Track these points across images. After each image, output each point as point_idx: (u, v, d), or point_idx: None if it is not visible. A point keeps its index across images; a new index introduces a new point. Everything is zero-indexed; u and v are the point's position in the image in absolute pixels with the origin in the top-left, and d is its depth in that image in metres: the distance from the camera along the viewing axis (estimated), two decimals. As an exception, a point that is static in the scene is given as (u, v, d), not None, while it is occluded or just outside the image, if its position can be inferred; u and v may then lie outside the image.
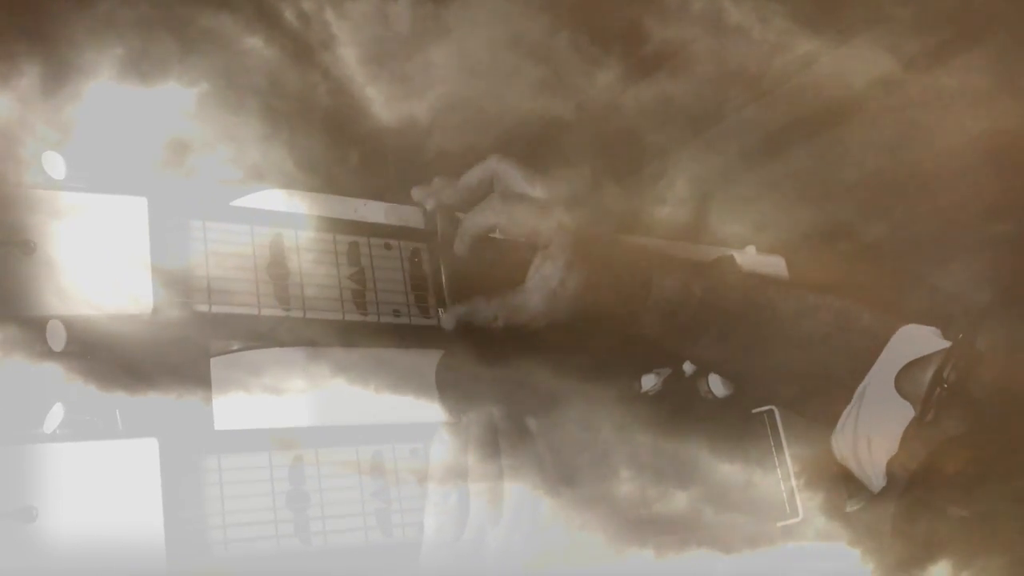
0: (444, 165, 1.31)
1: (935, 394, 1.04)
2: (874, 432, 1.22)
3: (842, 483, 1.42)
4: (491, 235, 1.24)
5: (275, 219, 1.20)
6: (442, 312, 1.23)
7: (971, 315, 1.13)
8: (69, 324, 1.00)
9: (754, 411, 1.51)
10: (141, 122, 1.12)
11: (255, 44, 1.23)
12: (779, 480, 1.49)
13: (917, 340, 1.22)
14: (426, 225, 1.30)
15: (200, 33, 1.21)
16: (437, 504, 1.16)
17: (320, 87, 1.32)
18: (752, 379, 1.39)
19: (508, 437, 1.20)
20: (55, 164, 1.05)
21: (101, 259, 1.04)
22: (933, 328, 1.25)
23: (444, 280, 1.23)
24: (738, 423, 1.49)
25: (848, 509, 1.43)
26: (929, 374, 1.07)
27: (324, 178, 1.26)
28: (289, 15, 1.28)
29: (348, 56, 1.31)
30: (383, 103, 1.30)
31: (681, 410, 1.44)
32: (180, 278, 1.09)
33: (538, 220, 1.20)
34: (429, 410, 1.24)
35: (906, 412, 1.16)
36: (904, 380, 1.13)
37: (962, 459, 1.01)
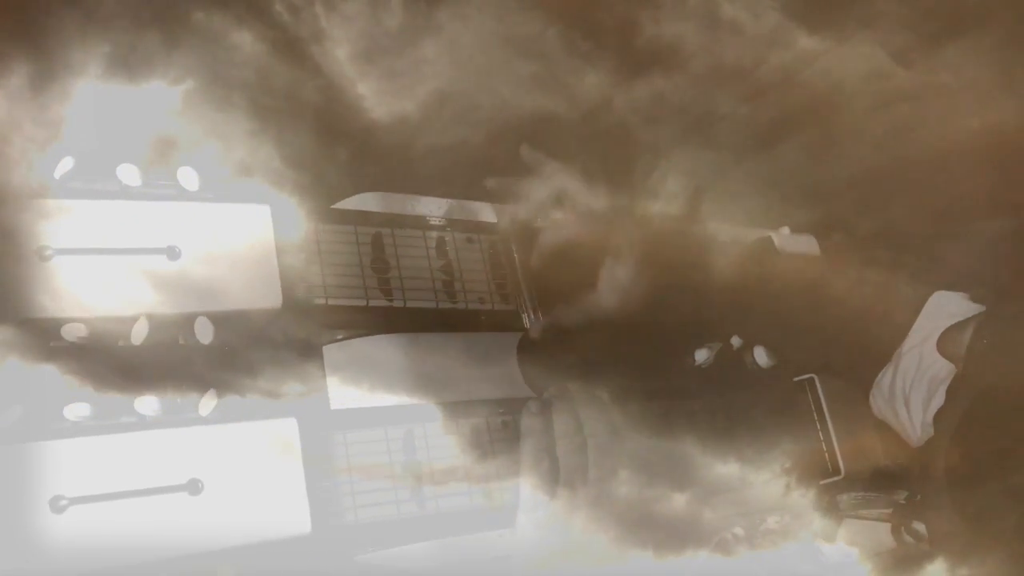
0: (438, 160, 1.40)
1: (977, 350, 1.18)
2: (912, 390, 1.36)
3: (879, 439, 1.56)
4: (564, 245, 1.39)
5: (373, 219, 1.33)
6: (527, 321, 1.38)
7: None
8: (215, 319, 1.13)
9: (796, 379, 1.65)
10: (128, 120, 1.15)
11: (243, 39, 1.25)
12: (821, 441, 1.63)
13: (950, 305, 1.36)
14: (500, 227, 1.44)
15: (187, 28, 1.22)
16: (531, 470, 1.29)
17: (309, 83, 1.32)
18: (799, 349, 1.53)
19: (586, 408, 1.34)
20: (189, 177, 1.17)
21: (236, 261, 1.16)
22: (963, 293, 1.39)
23: (525, 291, 1.38)
24: (782, 390, 1.63)
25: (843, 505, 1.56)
26: (968, 335, 1.21)
27: (313, 175, 1.27)
28: (279, 8, 1.29)
29: (338, 52, 1.32)
30: (374, 99, 1.32)
31: (731, 380, 1.58)
32: (302, 276, 1.21)
33: (606, 228, 1.34)
34: (516, 386, 1.37)
35: (942, 371, 1.30)
36: (946, 342, 1.27)
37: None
